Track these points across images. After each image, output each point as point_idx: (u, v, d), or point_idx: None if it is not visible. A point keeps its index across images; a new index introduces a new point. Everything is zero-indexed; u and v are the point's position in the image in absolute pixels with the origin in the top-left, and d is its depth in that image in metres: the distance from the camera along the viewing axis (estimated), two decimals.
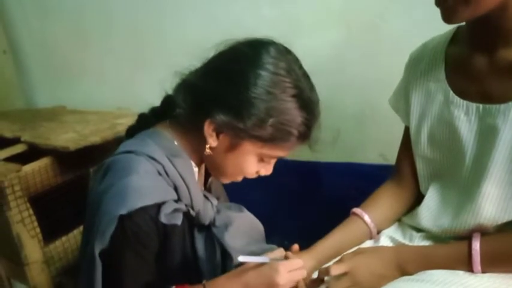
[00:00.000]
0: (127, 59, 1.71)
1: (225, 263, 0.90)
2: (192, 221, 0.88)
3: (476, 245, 0.76)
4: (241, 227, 0.94)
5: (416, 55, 0.94)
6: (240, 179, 0.89)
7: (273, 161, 0.87)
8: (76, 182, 1.43)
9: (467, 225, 0.81)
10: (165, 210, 0.79)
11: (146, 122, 0.90)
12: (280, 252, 0.85)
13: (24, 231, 1.29)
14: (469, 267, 0.77)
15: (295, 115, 0.79)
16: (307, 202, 1.56)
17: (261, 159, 0.84)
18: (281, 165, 1.57)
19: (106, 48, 1.74)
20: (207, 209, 0.90)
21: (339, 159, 1.50)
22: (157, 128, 0.87)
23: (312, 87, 0.83)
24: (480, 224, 0.80)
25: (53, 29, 1.82)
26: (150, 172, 0.80)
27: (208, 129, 0.80)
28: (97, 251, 0.76)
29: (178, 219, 0.82)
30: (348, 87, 1.42)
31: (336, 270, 0.83)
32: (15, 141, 1.40)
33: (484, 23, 0.74)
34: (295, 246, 0.89)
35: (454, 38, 0.87)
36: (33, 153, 1.36)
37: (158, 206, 0.79)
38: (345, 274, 0.83)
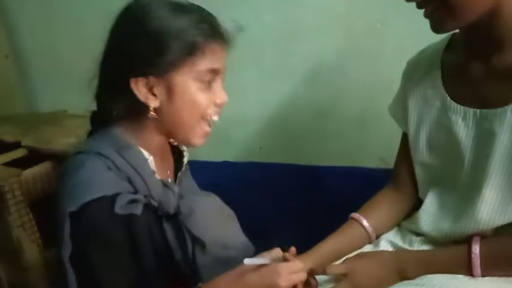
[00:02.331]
0: None
1: (195, 247, 0.87)
2: (157, 213, 0.86)
3: (476, 248, 0.76)
4: (208, 209, 0.90)
5: (413, 62, 0.95)
6: (205, 127, 0.85)
7: (218, 85, 0.84)
8: None
9: (467, 229, 0.81)
10: (120, 201, 0.77)
11: (92, 132, 0.91)
12: (277, 252, 0.83)
13: (25, 235, 1.29)
14: (468, 271, 0.77)
15: (185, 22, 0.79)
16: (308, 206, 1.55)
17: (202, 81, 0.81)
18: (281, 169, 1.59)
19: None
20: (168, 196, 0.87)
21: (339, 163, 1.50)
22: (106, 127, 0.87)
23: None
24: (479, 229, 0.80)
25: (56, 33, 1.82)
26: (98, 167, 0.79)
27: (139, 91, 0.80)
28: (65, 256, 0.76)
29: (137, 209, 0.80)
30: (349, 92, 1.42)
31: (332, 269, 0.85)
32: (16, 145, 1.40)
33: (477, 30, 0.74)
34: (292, 250, 0.89)
35: (450, 45, 0.88)
36: (34, 157, 1.35)
37: (112, 199, 0.77)
38: (345, 277, 0.83)
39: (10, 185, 1.23)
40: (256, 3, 1.43)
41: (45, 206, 1.35)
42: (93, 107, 0.92)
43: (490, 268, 0.76)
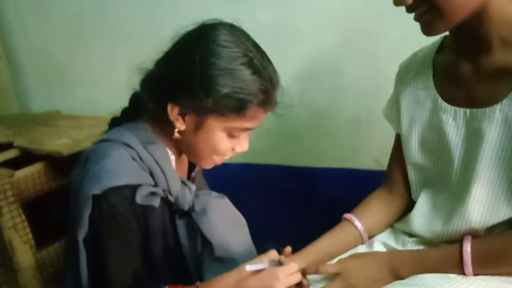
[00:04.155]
0: (124, 64, 1.70)
1: (204, 248, 0.91)
2: (172, 208, 0.90)
3: (467, 247, 0.77)
4: (221, 213, 0.94)
5: (406, 64, 0.96)
6: (218, 160, 0.90)
7: (245, 135, 0.88)
8: (69, 188, 1.42)
9: (459, 229, 0.82)
10: (141, 192, 0.81)
11: (118, 124, 0.92)
12: (273, 254, 0.85)
13: (17, 237, 1.28)
14: (460, 270, 0.77)
15: (248, 82, 0.80)
16: (303, 207, 1.55)
17: (230, 134, 0.85)
18: (276, 170, 1.58)
19: (102, 54, 1.74)
20: (185, 194, 0.91)
21: (334, 164, 1.50)
22: (134, 121, 0.90)
23: (263, 55, 0.84)
24: (471, 228, 0.80)
25: (49, 34, 1.82)
26: (124, 157, 0.82)
27: (172, 113, 0.82)
28: (80, 238, 0.78)
29: (155, 202, 0.84)
30: (344, 93, 1.42)
31: (324, 269, 0.85)
32: (8, 146, 1.39)
33: (465, 31, 0.76)
34: (288, 249, 0.90)
35: (442, 46, 0.90)
36: (26, 158, 1.35)
37: (133, 189, 0.81)
38: (338, 276, 0.84)
39: (2, 185, 1.23)
40: (252, 2, 1.43)
41: (38, 207, 1.35)
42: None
43: (482, 267, 0.76)
